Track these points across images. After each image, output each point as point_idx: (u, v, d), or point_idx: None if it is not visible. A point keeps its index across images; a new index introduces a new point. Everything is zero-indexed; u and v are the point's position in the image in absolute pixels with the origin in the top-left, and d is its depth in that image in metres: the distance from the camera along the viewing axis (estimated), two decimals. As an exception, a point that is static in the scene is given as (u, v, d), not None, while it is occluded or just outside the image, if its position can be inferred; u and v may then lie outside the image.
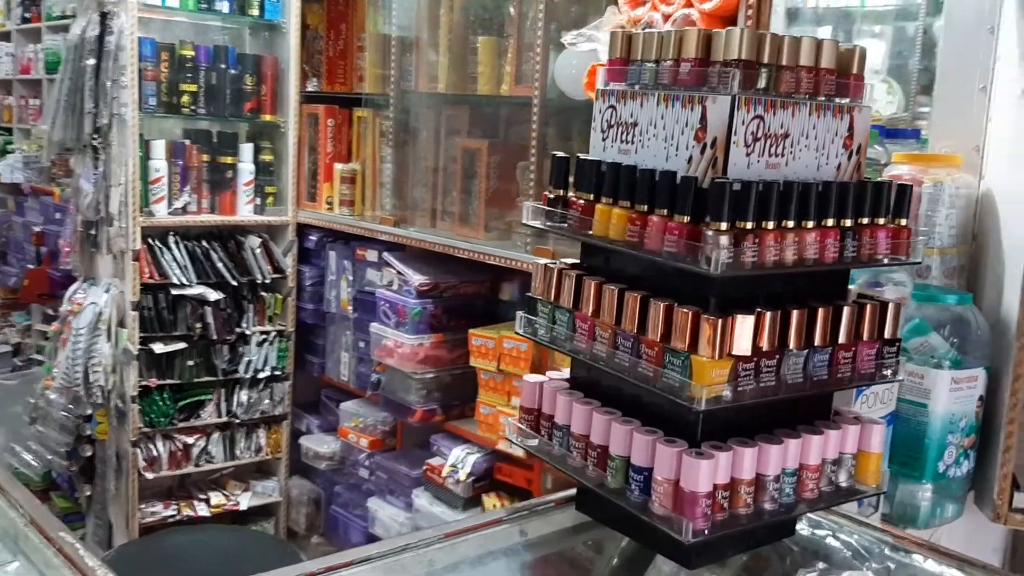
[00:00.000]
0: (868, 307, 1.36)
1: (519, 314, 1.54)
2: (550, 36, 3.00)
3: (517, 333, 1.54)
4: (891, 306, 1.39)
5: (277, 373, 4.12)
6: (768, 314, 1.25)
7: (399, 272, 3.55)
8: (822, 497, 1.39)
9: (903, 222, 1.38)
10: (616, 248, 1.35)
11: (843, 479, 1.42)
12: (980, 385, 1.81)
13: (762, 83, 1.26)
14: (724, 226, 1.19)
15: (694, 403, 1.21)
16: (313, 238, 4.13)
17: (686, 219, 1.24)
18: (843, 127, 1.36)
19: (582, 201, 1.41)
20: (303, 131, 4.13)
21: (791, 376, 1.30)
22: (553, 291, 1.48)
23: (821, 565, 1.50)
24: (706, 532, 1.25)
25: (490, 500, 3.37)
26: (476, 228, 3.48)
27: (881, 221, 1.35)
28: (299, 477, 4.27)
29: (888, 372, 1.40)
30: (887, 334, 1.39)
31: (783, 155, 1.30)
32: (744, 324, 1.23)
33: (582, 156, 1.44)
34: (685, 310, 1.24)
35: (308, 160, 4.17)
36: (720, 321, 1.21)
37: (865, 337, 1.37)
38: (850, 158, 1.38)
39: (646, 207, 1.30)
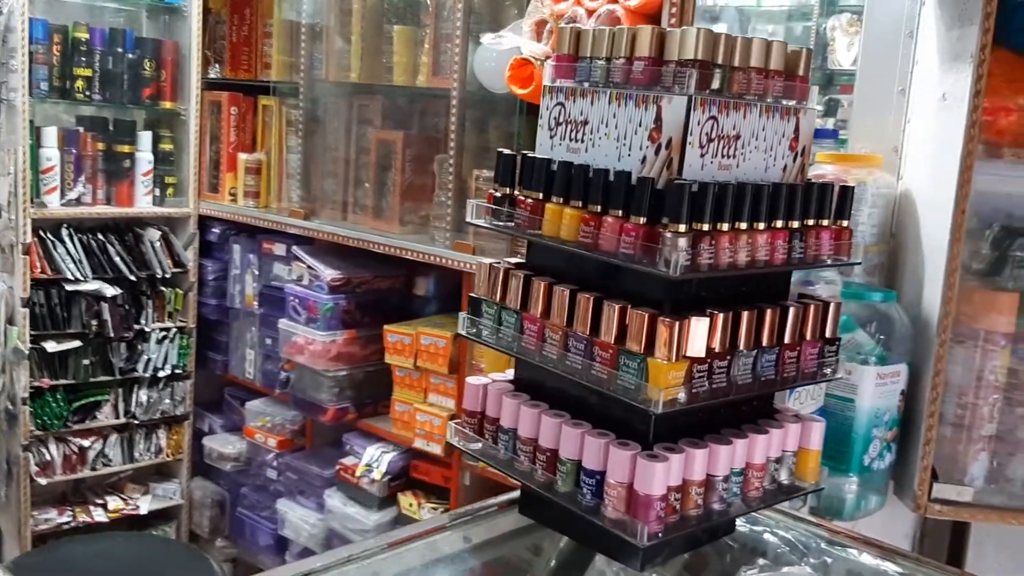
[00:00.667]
0: (811, 307, 1.38)
1: (461, 315, 1.50)
2: (469, 27, 2.96)
3: (459, 335, 1.51)
4: (832, 306, 1.41)
5: (178, 372, 3.96)
6: (720, 316, 1.25)
7: (309, 267, 3.45)
8: (766, 495, 1.40)
9: (845, 223, 1.40)
10: (568, 249, 1.32)
11: (784, 477, 1.44)
12: (902, 380, 1.87)
13: (716, 84, 1.25)
14: (683, 228, 1.18)
15: (651, 406, 1.20)
16: (216, 231, 3.98)
17: (642, 220, 1.22)
18: (790, 129, 1.37)
19: (530, 200, 1.38)
20: (205, 119, 3.97)
21: (741, 377, 1.30)
22: (499, 291, 1.45)
23: (761, 561, 1.51)
24: (660, 535, 1.25)
25: (406, 499, 3.32)
26: (391, 221, 3.41)
27: (825, 222, 1.37)
28: (202, 479, 4.12)
29: (828, 371, 1.42)
30: (828, 333, 1.42)
31: (734, 156, 1.30)
32: (699, 326, 1.22)
33: (530, 154, 1.41)
34: (641, 312, 1.23)
35: (210, 150, 4.01)
36: (677, 323, 1.20)
37: (808, 337, 1.39)
38: (795, 160, 1.39)
39: (600, 207, 1.28)
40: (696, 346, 1.22)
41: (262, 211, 3.82)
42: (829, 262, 1.38)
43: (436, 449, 3.21)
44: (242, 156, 3.90)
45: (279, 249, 3.70)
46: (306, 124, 3.60)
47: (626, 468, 1.26)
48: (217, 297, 3.98)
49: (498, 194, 1.44)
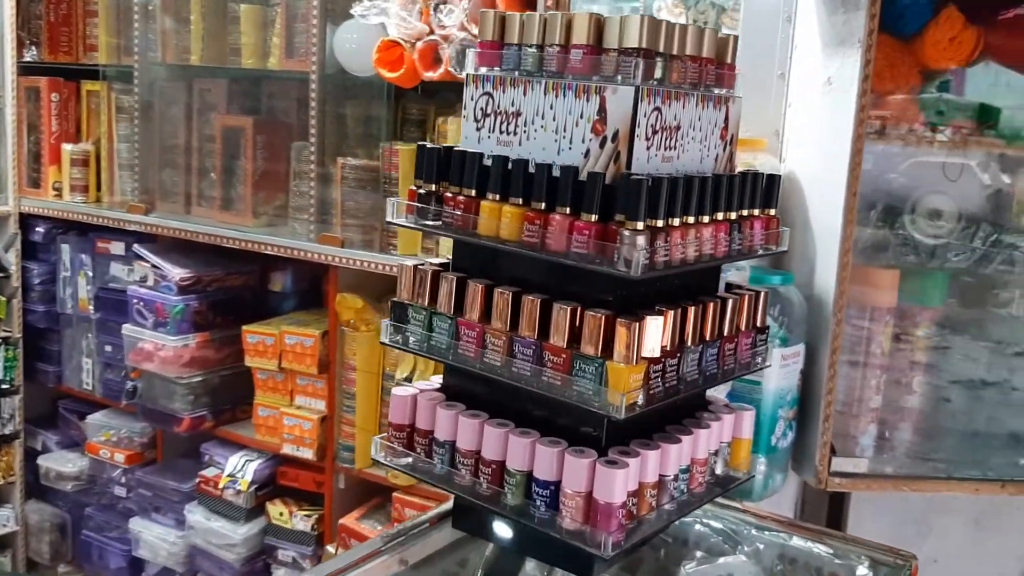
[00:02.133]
0: (745, 298, 1.37)
1: (384, 323, 1.39)
2: (327, 7, 2.80)
3: (383, 343, 1.40)
4: (762, 295, 1.41)
5: (4, 386, 3.57)
6: (671, 313, 1.22)
7: (154, 266, 3.19)
8: (708, 489, 1.39)
9: (772, 212, 1.40)
10: (509, 249, 1.24)
11: (719, 468, 1.43)
12: (801, 359, 1.91)
13: (659, 73, 1.21)
14: (640, 225, 1.13)
15: (612, 410, 1.15)
16: (40, 230, 3.62)
17: (594, 218, 1.17)
18: (721, 118, 1.34)
19: (462, 198, 1.29)
20: (22, 107, 3.59)
21: (689, 374, 1.27)
22: (426, 295, 1.36)
23: (699, 554, 1.50)
24: (622, 543, 1.20)
25: (276, 508, 3.15)
26: (243, 214, 3.21)
27: (756, 212, 1.36)
28: (37, 501, 3.75)
29: (759, 359, 1.42)
30: (759, 323, 1.41)
31: (675, 148, 1.26)
32: (654, 325, 1.18)
33: (459, 148, 1.32)
34: (597, 314, 1.17)
35: (28, 140, 3.63)
36: (635, 324, 1.15)
37: (743, 327, 1.38)
38: (725, 149, 1.37)
39: (543, 205, 1.21)
40: (651, 346, 1.18)
41: (94, 207, 3.51)
42: (761, 252, 1.38)
43: (307, 454, 3.05)
44: (67, 147, 3.56)
45: (117, 248, 3.41)
46: (142, 111, 3.31)
47: (583, 477, 1.21)
48: (45, 303, 3.63)
49: (422, 191, 1.34)
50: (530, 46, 1.28)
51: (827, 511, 2.38)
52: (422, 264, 1.38)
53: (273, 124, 3.17)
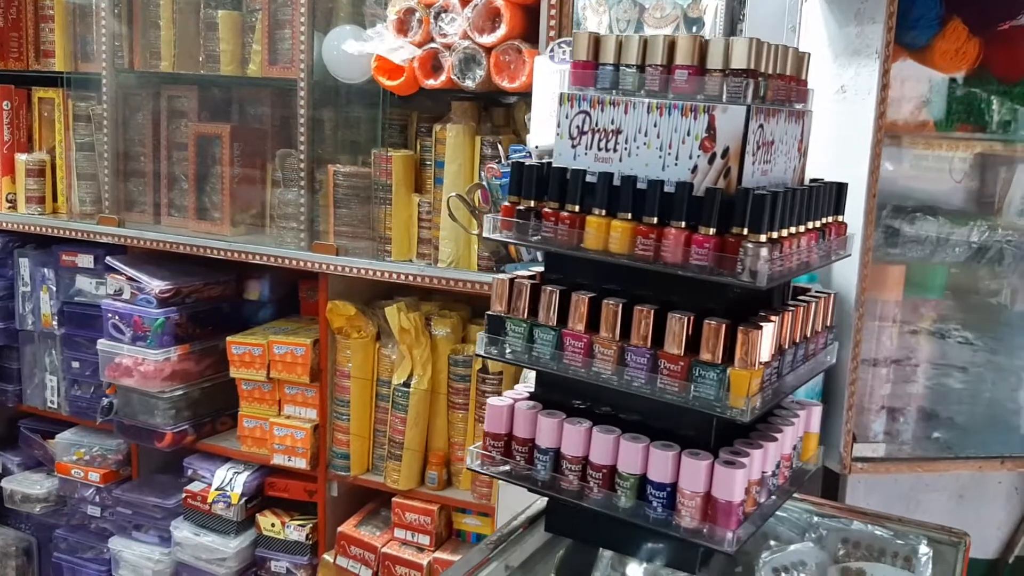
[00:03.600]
0: (822, 300, 1.46)
1: (480, 335, 1.42)
2: (315, 13, 2.78)
3: (478, 355, 1.43)
4: (832, 297, 1.50)
5: (-38, 409, 3.43)
6: (778, 318, 1.29)
7: (131, 278, 3.11)
8: (790, 482, 1.47)
9: (841, 218, 1.48)
10: (620, 263, 1.29)
11: (796, 462, 1.51)
12: (826, 353, 2.01)
13: (761, 92, 1.28)
14: (763, 237, 1.20)
15: (738, 414, 1.22)
16: (-5, 244, 3.47)
17: (712, 231, 1.23)
18: (798, 132, 1.42)
19: (565, 213, 1.33)
20: (-30, 116, 3.43)
21: (790, 375, 1.35)
22: (523, 307, 1.39)
23: (773, 543, 1.58)
24: (743, 538, 1.27)
25: (267, 519, 3.11)
26: (220, 223, 3.15)
27: (832, 220, 1.45)
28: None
29: (829, 357, 1.51)
30: (828, 322, 1.50)
31: (770, 161, 1.33)
32: (768, 331, 1.25)
33: (558, 165, 1.36)
34: (717, 322, 1.23)
35: (-22, 151, 3.47)
36: (754, 331, 1.22)
37: (819, 328, 1.46)
38: (800, 160, 1.45)
39: (655, 219, 1.27)
40: (765, 351, 1.25)
41: (57, 219, 3.38)
42: (833, 257, 1.46)
43: (300, 464, 3.03)
44: (20, 157, 3.42)
45: (84, 261, 3.30)
46: (111, 119, 3.21)
47: (702, 477, 1.27)
48: (3, 319, 3.47)
49: (521, 207, 1.38)
50: (627, 66, 1.33)
51: (821, 490, 2.51)
52: (515, 278, 1.42)
53: (251, 132, 3.12)
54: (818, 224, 1.38)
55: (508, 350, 1.41)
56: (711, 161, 1.26)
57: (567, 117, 1.38)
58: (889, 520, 1.63)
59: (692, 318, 1.25)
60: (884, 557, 1.58)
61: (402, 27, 2.58)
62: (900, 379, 2.17)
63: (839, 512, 1.65)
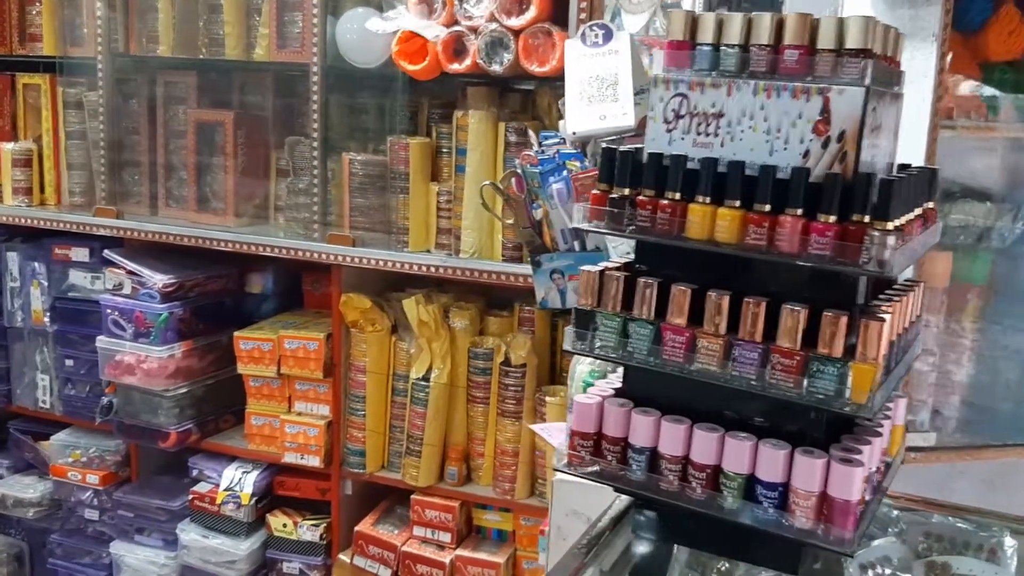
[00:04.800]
0: (915, 289, 1.41)
1: (568, 330, 1.35)
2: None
3: (566, 351, 1.36)
4: (922, 287, 1.46)
5: (-52, 411, 3.28)
6: (892, 311, 1.24)
7: (131, 272, 2.98)
8: (885, 478, 1.43)
9: (931, 204, 1.44)
10: (728, 252, 1.23)
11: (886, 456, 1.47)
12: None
13: (875, 72, 1.22)
14: (891, 225, 1.14)
15: (862, 410, 1.16)
16: (-18, 238, 3.32)
17: (832, 219, 1.17)
18: (895, 114, 1.37)
19: (665, 201, 1.27)
20: (-48, 104, 3.27)
21: (898, 367, 1.30)
22: (615, 301, 1.33)
23: (858, 539, 1.54)
24: (862, 537, 1.22)
25: (277, 520, 3.02)
26: (223, 214, 3.04)
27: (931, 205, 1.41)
28: (-11, 532, 3.46)
29: (919, 349, 1.47)
30: (919, 312, 1.46)
31: (877, 145, 1.28)
32: (887, 324, 1.20)
33: (652, 150, 1.30)
34: (837, 314, 1.18)
35: (-39, 140, 3.31)
36: (880, 324, 1.16)
37: (913, 319, 1.42)
38: (895, 144, 1.40)
39: (768, 207, 1.21)
40: (884, 344, 1.20)
41: (48, 211, 3.24)
42: (931, 244, 1.42)
43: (313, 461, 2.94)
44: (6, 146, 3.28)
45: (78, 254, 3.17)
46: (107, 106, 3.07)
47: (817, 476, 1.21)
48: (-9, 316, 3.33)
49: (615, 195, 1.31)
50: (731, 46, 1.26)
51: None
52: (605, 269, 1.35)
53: (255, 119, 3.01)
54: (920, 211, 1.34)
55: (599, 345, 1.34)
56: (825, 145, 1.20)
57: (661, 100, 1.31)
58: (967, 511, 1.59)
59: (808, 311, 1.20)
60: (968, 550, 1.54)
61: (424, 9, 2.49)
62: (945, 367, 2.14)
63: (917, 505, 1.62)
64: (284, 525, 3.00)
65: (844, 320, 1.17)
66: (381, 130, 2.85)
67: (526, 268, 2.52)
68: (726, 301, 1.24)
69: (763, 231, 1.20)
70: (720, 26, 1.28)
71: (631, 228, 1.30)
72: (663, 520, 1.41)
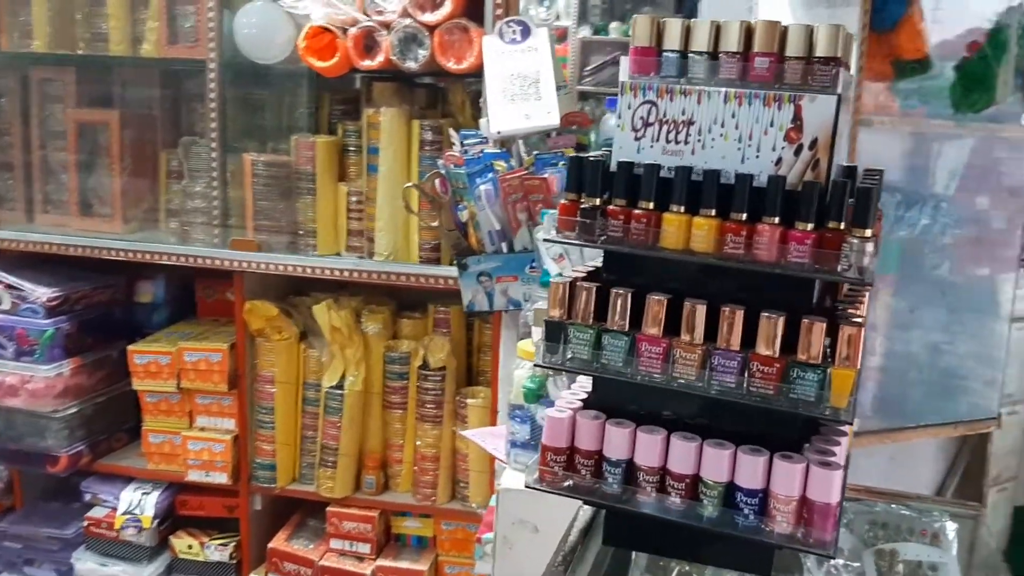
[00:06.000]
0: (867, 293, 1.45)
1: (538, 343, 1.32)
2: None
3: (537, 365, 1.33)
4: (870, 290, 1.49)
5: None
6: (862, 314, 1.26)
7: (10, 286, 2.76)
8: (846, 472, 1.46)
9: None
10: (706, 262, 1.22)
11: (836, 450, 1.51)
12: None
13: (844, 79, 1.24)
14: (868, 232, 1.16)
15: (842, 414, 1.18)
16: None
17: (810, 227, 1.18)
18: (846, 118, 1.40)
19: (639, 211, 1.25)
20: None
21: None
22: (584, 311, 1.30)
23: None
24: (837, 540, 1.24)
25: (182, 541, 2.87)
26: (110, 220, 2.86)
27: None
28: None
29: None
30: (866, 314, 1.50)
31: (838, 149, 1.30)
32: (863, 330, 1.22)
33: (621, 159, 1.27)
34: (816, 321, 1.19)
35: None
36: (856, 330, 1.18)
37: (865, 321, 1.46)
38: (844, 148, 1.43)
39: (744, 215, 1.20)
40: (861, 348, 1.22)
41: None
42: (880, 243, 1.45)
43: (220, 478, 2.80)
44: None
45: (-57, 268, 2.89)
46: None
47: (796, 481, 1.23)
48: None
49: (585, 205, 1.28)
50: (700, 53, 1.25)
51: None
52: (575, 279, 1.32)
53: (143, 118, 2.83)
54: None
55: (573, 358, 1.31)
56: (797, 153, 1.21)
57: (630, 107, 1.29)
58: (907, 498, 1.65)
59: (785, 318, 1.20)
60: (912, 536, 1.60)
61: (331, 2, 2.38)
62: (887, 351, 2.23)
63: (860, 494, 1.67)
64: (190, 546, 2.85)
65: (823, 326, 1.19)
66: (280, 129, 2.73)
67: (445, 270, 2.47)
68: (703, 310, 1.24)
69: (741, 240, 1.20)
70: (687, 32, 1.26)
71: (603, 238, 1.28)
72: (635, 530, 1.39)
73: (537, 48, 2.23)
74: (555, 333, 1.32)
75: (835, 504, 1.22)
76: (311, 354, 2.76)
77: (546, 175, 2.06)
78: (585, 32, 5.23)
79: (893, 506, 1.65)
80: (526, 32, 2.24)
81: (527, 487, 1.39)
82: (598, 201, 1.28)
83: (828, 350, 1.20)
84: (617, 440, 1.31)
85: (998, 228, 2.40)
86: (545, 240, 1.40)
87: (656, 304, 1.26)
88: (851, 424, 1.19)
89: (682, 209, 1.23)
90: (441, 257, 2.50)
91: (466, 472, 2.69)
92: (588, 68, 5.19)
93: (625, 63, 1.30)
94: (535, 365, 1.35)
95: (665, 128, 1.27)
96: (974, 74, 2.09)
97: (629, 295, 1.27)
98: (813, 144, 1.20)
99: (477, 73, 2.31)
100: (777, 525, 1.23)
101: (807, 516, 1.23)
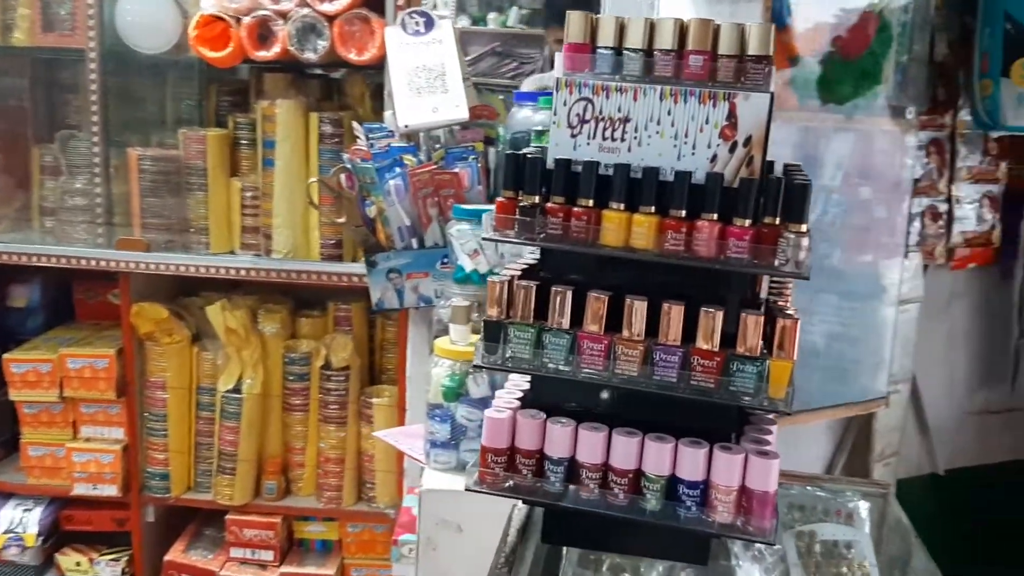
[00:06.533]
0: (790, 285, 1.49)
1: (478, 343, 1.30)
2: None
3: (477, 366, 1.31)
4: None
5: None
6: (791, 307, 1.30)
7: None
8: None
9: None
10: (644, 258, 1.23)
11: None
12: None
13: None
14: (804, 228, 1.19)
15: (781, 405, 1.21)
16: None
17: (748, 223, 1.20)
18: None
19: (579, 208, 1.25)
20: None
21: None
22: (524, 310, 1.29)
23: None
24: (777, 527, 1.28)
25: (69, 558, 2.72)
26: (-23, 220, 2.65)
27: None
28: None
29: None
30: (784, 301, 1.55)
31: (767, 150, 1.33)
32: (798, 324, 1.26)
33: (558, 156, 1.26)
34: (754, 314, 1.21)
35: None
36: (792, 322, 1.22)
37: (785, 307, 1.50)
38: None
39: (683, 212, 1.22)
40: (797, 341, 1.26)
41: None
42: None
43: (110, 491, 2.67)
44: None
45: None
46: None
47: (736, 472, 1.25)
48: None
49: (524, 203, 1.26)
50: (634, 50, 1.26)
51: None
52: (513, 278, 1.31)
53: (12, 110, 2.65)
54: (801, 208, 1.41)
55: (514, 358, 1.30)
56: (732, 150, 1.23)
57: (565, 104, 1.28)
58: (820, 479, 1.72)
59: (725, 312, 1.22)
60: (828, 517, 1.67)
61: (224, -9, 2.28)
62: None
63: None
64: (78, 563, 2.70)
65: (761, 320, 1.21)
66: (165, 122, 2.61)
67: (348, 266, 2.42)
68: (643, 307, 1.24)
69: (681, 236, 1.21)
70: (621, 30, 1.26)
71: (542, 236, 1.27)
72: (573, 527, 1.39)
73: (442, 40, 2.20)
74: (494, 333, 1.30)
75: (773, 492, 1.26)
76: (205, 357, 2.65)
77: (457, 169, 2.03)
78: (464, 22, 5.20)
79: (808, 488, 1.71)
80: (429, 24, 2.20)
81: (467, 490, 1.37)
82: (537, 199, 1.27)
83: (764, 343, 1.23)
84: (559, 438, 1.30)
85: (880, 217, 2.52)
86: (485, 239, 1.38)
87: (596, 301, 1.26)
88: (789, 414, 1.22)
89: (622, 207, 1.24)
90: (343, 254, 2.44)
91: (372, 473, 2.64)
92: (467, 59, 5.16)
93: (560, 59, 1.29)
94: (475, 366, 1.33)
95: (601, 125, 1.27)
96: (862, 69, 2.19)
97: (569, 293, 1.27)
98: (747, 141, 1.22)
99: (379, 65, 2.26)
100: (718, 515, 1.25)
101: (746, 505, 1.26)
